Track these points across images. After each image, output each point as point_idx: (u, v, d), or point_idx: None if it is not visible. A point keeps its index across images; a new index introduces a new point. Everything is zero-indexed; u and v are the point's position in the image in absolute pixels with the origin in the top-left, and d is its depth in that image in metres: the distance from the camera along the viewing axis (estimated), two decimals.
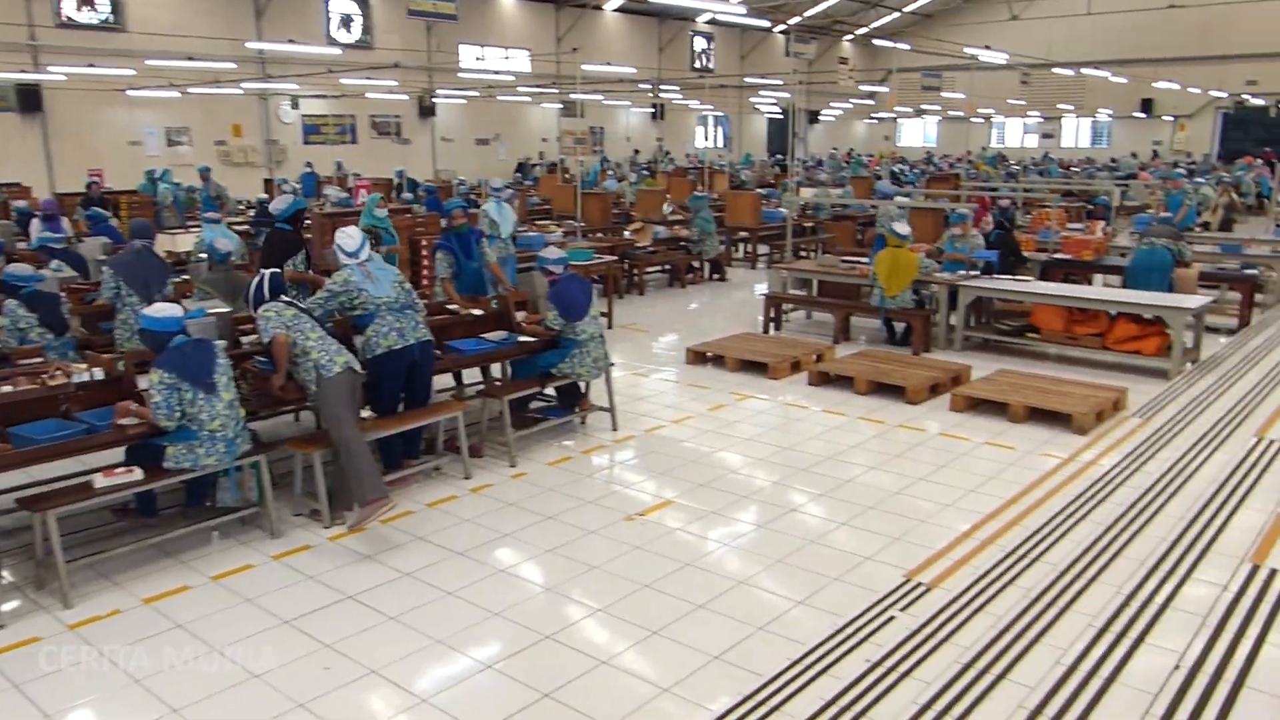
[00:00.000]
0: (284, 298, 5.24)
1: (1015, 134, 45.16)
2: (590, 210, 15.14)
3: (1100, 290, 9.50)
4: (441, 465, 5.91)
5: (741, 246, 16.49)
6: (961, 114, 40.33)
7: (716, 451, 6.33)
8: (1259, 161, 26.88)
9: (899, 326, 9.61)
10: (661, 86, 32.22)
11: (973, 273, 9.52)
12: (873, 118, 44.43)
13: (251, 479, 5.00)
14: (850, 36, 42.04)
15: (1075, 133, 43.74)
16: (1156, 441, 6.22)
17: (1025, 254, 11.19)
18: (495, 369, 7.25)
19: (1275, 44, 35.81)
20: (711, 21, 35.97)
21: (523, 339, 6.62)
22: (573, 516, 5.23)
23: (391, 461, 5.62)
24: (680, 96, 34.71)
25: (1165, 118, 40.26)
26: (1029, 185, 19.48)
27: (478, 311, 6.98)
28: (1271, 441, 5.95)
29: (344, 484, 4.98)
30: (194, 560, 4.70)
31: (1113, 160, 32.72)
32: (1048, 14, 36.04)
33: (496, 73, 26.68)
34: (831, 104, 42.21)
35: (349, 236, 5.60)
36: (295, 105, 23.96)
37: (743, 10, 18.80)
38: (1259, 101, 37.55)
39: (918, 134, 47.80)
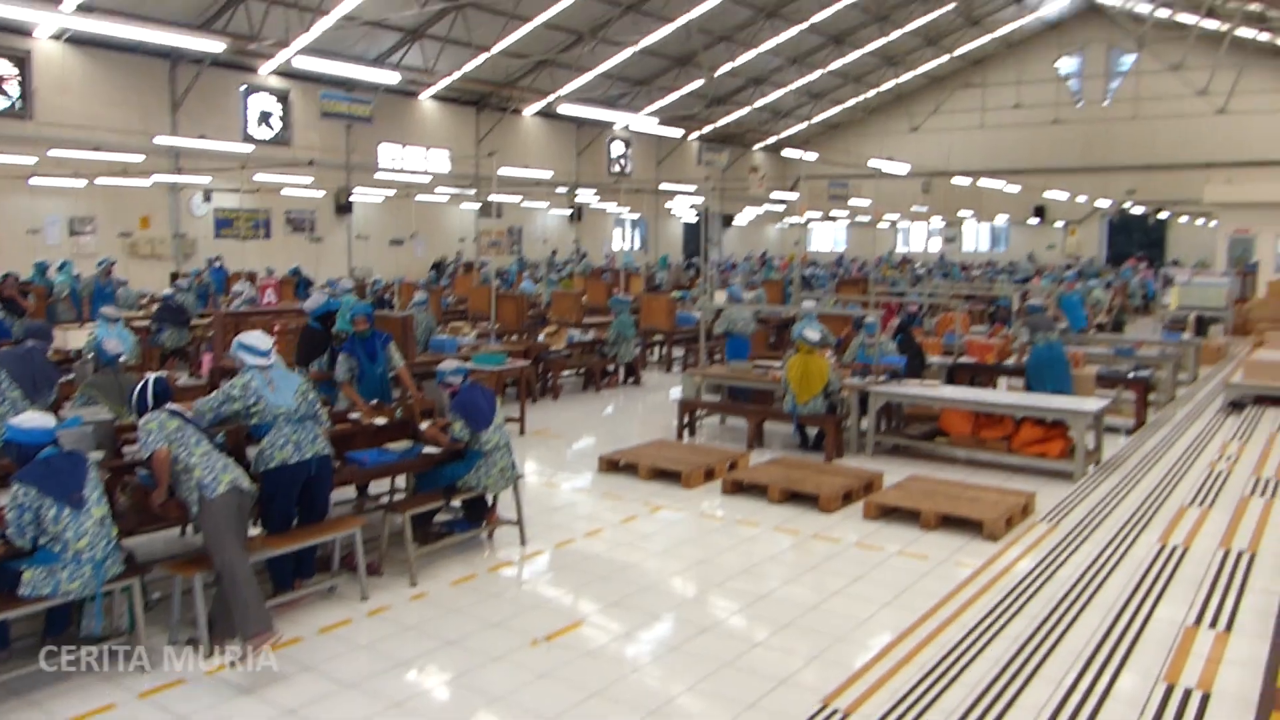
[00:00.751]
0: (170, 405, 4.96)
1: (919, 238, 46.86)
2: (505, 312, 15.05)
3: (1004, 394, 9.69)
4: (337, 585, 5.59)
5: (657, 350, 16.53)
6: (866, 218, 41.72)
7: (629, 566, 6.14)
8: (1143, 265, 28.26)
9: (812, 432, 9.64)
10: (579, 189, 32.70)
11: (882, 378, 9.64)
12: (785, 222, 45.72)
13: (123, 604, 4.63)
14: (761, 145, 43.57)
15: (975, 237, 45.60)
16: (1065, 548, 6.25)
17: (932, 358, 11.42)
18: (402, 479, 7.00)
19: (1149, 157, 38.18)
20: (628, 129, 36.87)
21: (428, 450, 6.39)
22: (476, 641, 4.96)
23: (282, 582, 5.28)
24: (598, 199, 35.26)
25: (1057, 223, 42.28)
26: (933, 289, 20.07)
27: (381, 420, 6.74)
28: (1175, 548, 6.02)
29: (226, 611, 4.64)
30: (47, 700, 4.29)
31: (1011, 264, 34.11)
32: (946, 127, 37.88)
33: (413, 172, 26.75)
34: (745, 208, 43.34)
35: (257, 337, 5.38)
36: (208, 198, 23.57)
37: (654, 121, 19.21)
38: (1138, 209, 39.71)
39: (829, 238, 49.29)
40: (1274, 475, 7.42)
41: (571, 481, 8.38)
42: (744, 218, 44.81)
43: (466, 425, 6.26)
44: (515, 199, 32.01)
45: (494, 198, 23.87)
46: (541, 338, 13.55)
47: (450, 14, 23.29)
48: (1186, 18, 31.05)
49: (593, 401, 12.55)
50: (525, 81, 28.95)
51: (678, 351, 15.99)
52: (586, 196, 34.77)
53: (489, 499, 6.58)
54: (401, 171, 26.59)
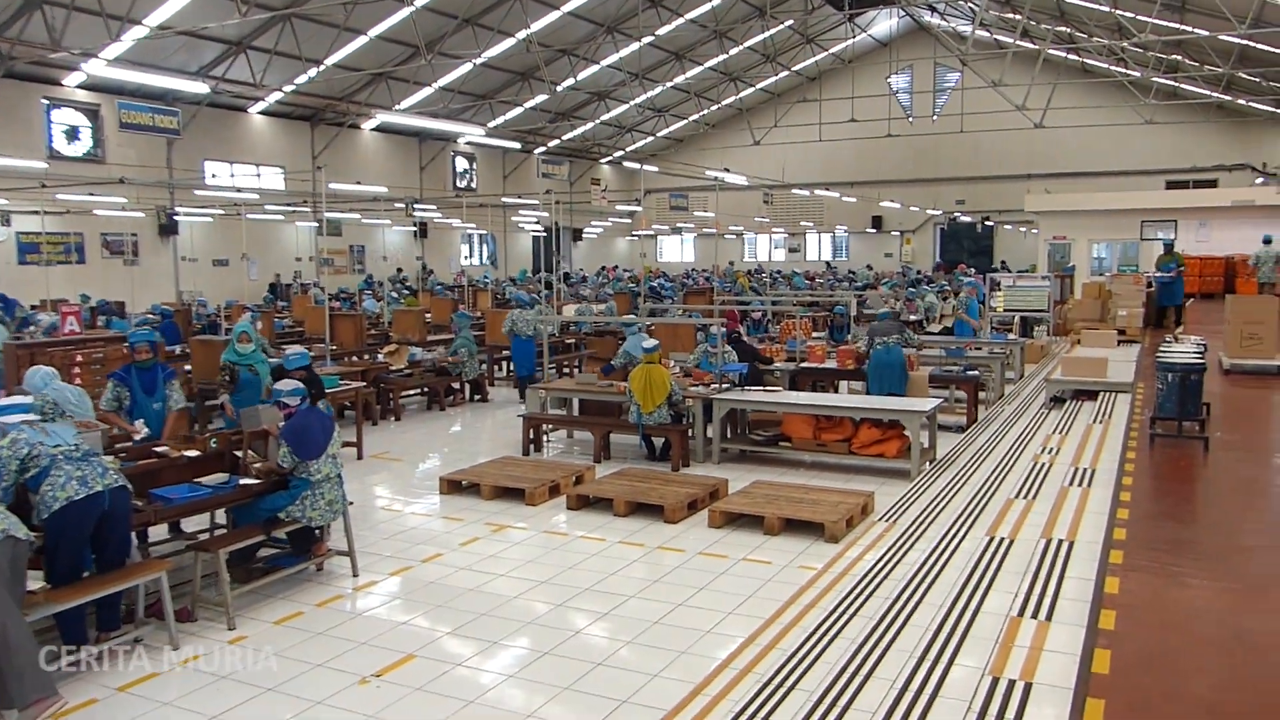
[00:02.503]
0: None
1: (764, 248, 48.06)
2: (343, 332, 14.47)
3: (843, 398, 9.88)
4: (143, 636, 5.12)
5: (505, 366, 16.23)
6: (713, 230, 42.41)
7: (469, 591, 5.88)
8: (972, 270, 29.67)
9: (659, 442, 9.58)
10: (422, 205, 31.99)
11: (725, 385, 9.67)
12: (633, 235, 46.05)
13: None
14: (608, 160, 43.79)
15: (818, 246, 47.09)
16: (902, 545, 6.34)
17: (776, 363, 11.58)
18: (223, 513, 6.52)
19: (975, 169, 40.26)
20: (472, 143, 36.39)
21: (246, 481, 5.97)
22: (299, 684, 4.62)
23: (75, 638, 4.77)
24: (441, 215, 34.59)
25: (893, 232, 44.10)
26: (776, 296, 20.49)
27: (193, 453, 6.26)
28: (1002, 540, 6.20)
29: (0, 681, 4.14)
30: None
31: (851, 272, 35.31)
32: (785, 140, 38.91)
33: (239, 190, 25.54)
34: (593, 222, 43.44)
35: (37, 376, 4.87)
36: (6, 222, 21.82)
37: (480, 133, 18.95)
38: (967, 218, 41.87)
39: (677, 249, 49.94)
40: (1090, 465, 7.81)
41: (411, 505, 8.03)
42: (593, 231, 44.92)
43: (292, 453, 5.88)
44: (355, 216, 31.08)
45: (332, 215, 23.01)
46: (380, 357, 13.08)
47: (277, 25, 22.38)
48: (1005, 38, 32.97)
49: (437, 421, 12.17)
50: (362, 96, 28.15)
51: None
52: (432, 212, 34.08)
53: (317, 530, 6.19)
54: (227, 190, 25.33)
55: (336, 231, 31.28)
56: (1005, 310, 18.05)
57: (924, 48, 37.57)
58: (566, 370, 15.78)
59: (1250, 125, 35.57)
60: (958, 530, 6.54)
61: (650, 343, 9.28)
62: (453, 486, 8.33)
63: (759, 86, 40.40)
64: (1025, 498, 7.04)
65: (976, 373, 11.08)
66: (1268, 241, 20.63)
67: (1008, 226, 42.41)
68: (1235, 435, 8.90)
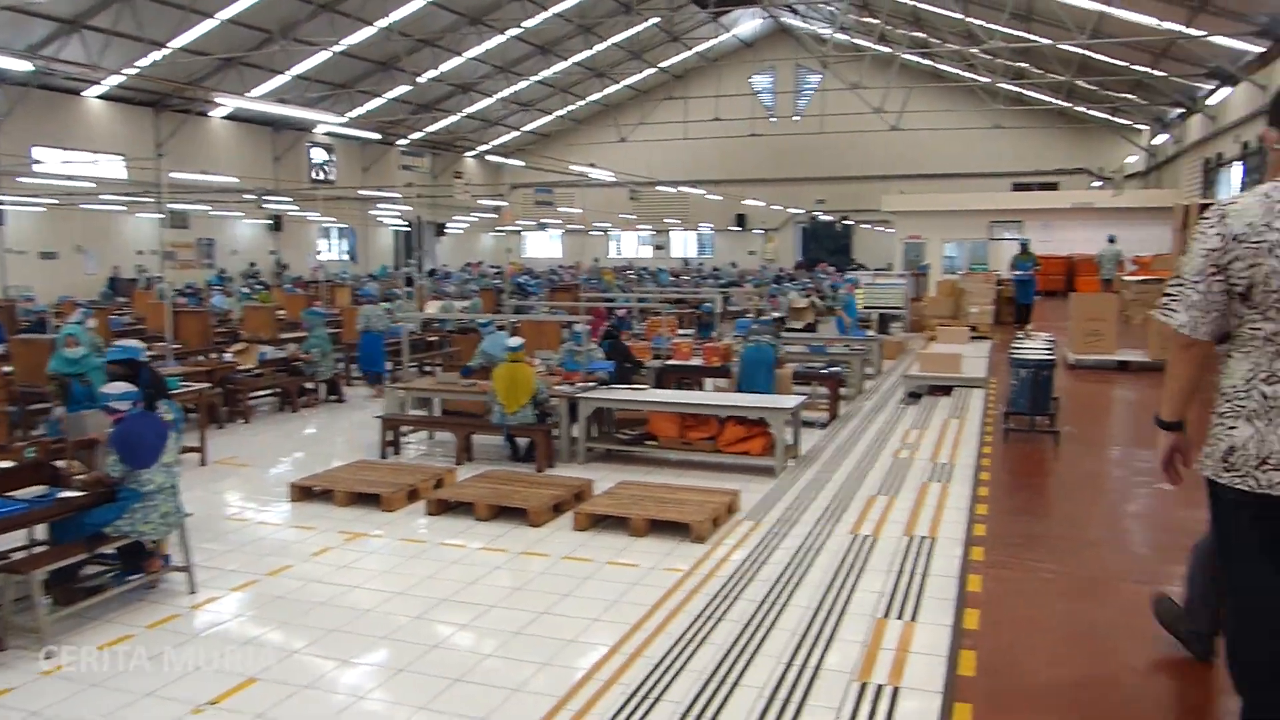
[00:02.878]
0: None
1: (631, 245, 48.23)
2: (188, 330, 13.66)
3: (708, 395, 9.87)
4: None
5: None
6: (580, 227, 42.29)
7: (318, 606, 5.53)
8: (832, 269, 30.45)
9: (523, 442, 9.35)
10: (275, 197, 30.68)
11: (591, 384, 9.52)
12: (498, 230, 45.43)
13: None
14: (473, 154, 43.06)
15: (684, 244, 47.53)
16: (768, 545, 6.31)
17: (642, 361, 11.51)
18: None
19: (835, 169, 41.36)
20: (330, 134, 35.15)
21: (66, 494, 5.45)
22: (124, 717, 4.21)
23: None
24: (297, 208, 33.28)
25: (756, 230, 44.91)
26: (643, 294, 20.48)
27: (6, 464, 5.69)
28: (866, 538, 6.23)
29: None
30: None
31: (715, 269, 35.74)
32: (651, 137, 39.07)
33: (72, 178, 23.90)
34: (455, 217, 42.63)
35: None
36: None
37: (337, 122, 18.26)
38: (827, 217, 43.00)
39: (544, 245, 49.57)
40: (948, 460, 7.99)
41: (259, 514, 7.56)
42: (457, 226, 44.13)
43: (121, 461, 5.40)
44: (204, 208, 29.59)
45: (177, 206, 21.76)
46: (228, 356, 12.39)
47: (116, 4, 21.03)
48: (863, 42, 33.94)
49: (290, 423, 11.60)
50: (211, 81, 26.78)
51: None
52: (287, 205, 32.74)
53: (150, 544, 5.72)
54: (56, 178, 23.66)
55: (183, 224, 29.68)
56: (864, 308, 18.53)
57: (786, 49, 38.39)
58: (429, 369, 15.35)
59: (1089, 132, 37.70)
60: (822, 528, 6.55)
61: (515, 341, 9.04)
62: (304, 493, 7.90)
63: (625, 83, 40.48)
64: (887, 494, 7.13)
65: (838, 369, 11.26)
66: (1111, 241, 21.86)
67: (865, 226, 43.77)
68: (1081, 428, 9.28)
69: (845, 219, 42.91)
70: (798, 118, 39.95)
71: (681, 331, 15.19)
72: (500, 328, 12.16)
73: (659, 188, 36.88)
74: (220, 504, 7.86)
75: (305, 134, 34.82)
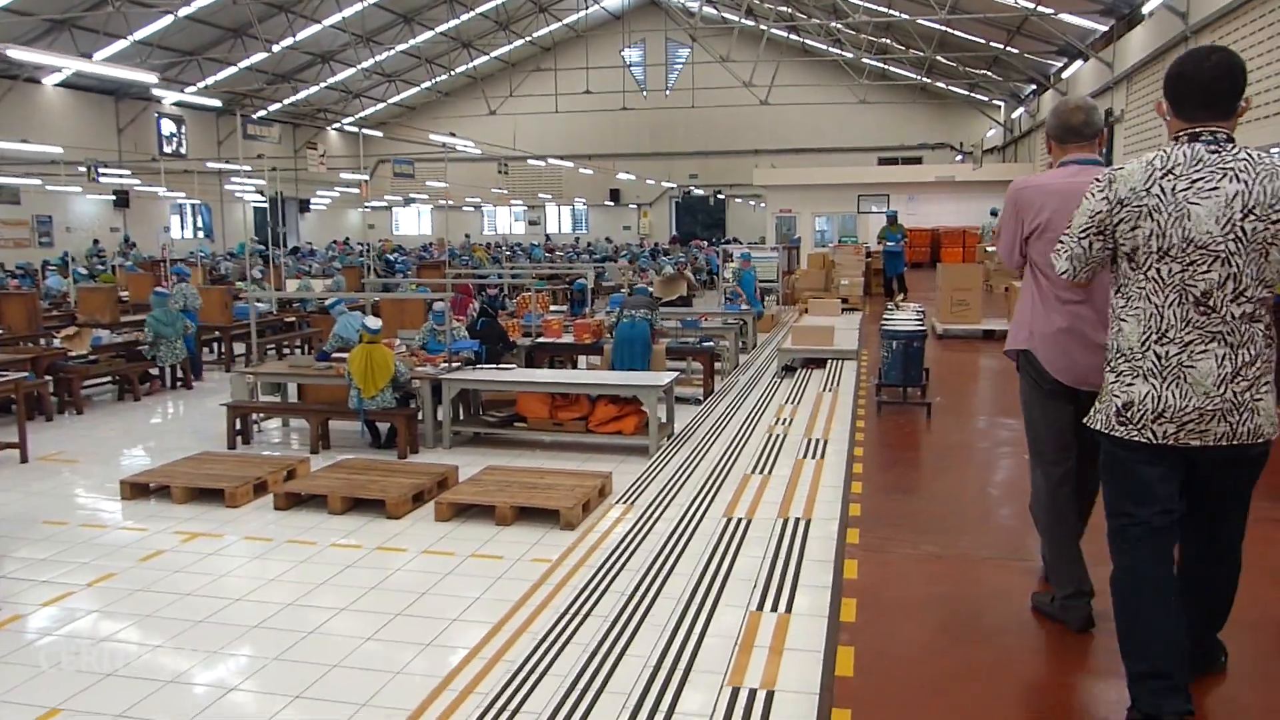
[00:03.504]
0: None
1: (505, 221, 47.40)
2: (12, 313, 12.53)
3: (578, 374, 9.53)
4: None
5: (216, 348, 14.73)
6: (449, 202, 41.26)
7: (142, 620, 4.96)
8: (706, 243, 30.48)
9: (385, 428, 8.83)
10: (113, 170, 28.71)
11: (456, 364, 9.06)
12: (365, 206, 43.96)
13: None
14: (335, 125, 41.43)
15: (558, 219, 46.97)
16: (639, 529, 6.02)
17: (513, 341, 11.09)
18: None
19: (707, 144, 41.51)
20: (181, 104, 33.16)
21: None
22: None
23: None
24: (143, 183, 31.32)
25: (631, 205, 44.70)
26: (514, 269, 19.99)
27: None
28: (739, 520, 5.99)
29: None
30: None
31: (590, 244, 35.38)
32: (522, 110, 38.36)
33: None
34: (319, 192, 40.99)
35: None
36: None
37: (192, 91, 17.05)
38: (700, 192, 43.12)
39: (414, 222, 48.21)
40: (822, 435, 7.84)
41: (84, 516, 6.86)
42: (321, 202, 42.48)
43: None
44: (35, 181, 27.52)
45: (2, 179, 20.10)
46: (58, 342, 11.39)
47: None
48: (731, 16, 33.93)
49: (131, 413, 10.73)
50: (41, 44, 24.80)
51: (241, 349, 14.34)
52: (132, 180, 30.76)
53: None
54: None
55: (14, 199, 27.55)
56: (738, 281, 18.48)
57: (655, 21, 38.11)
58: (288, 351, 14.56)
59: (949, 107, 38.77)
60: (696, 510, 6.29)
61: (373, 322, 8.49)
62: (137, 490, 7.22)
63: (493, 55, 39.53)
64: (761, 472, 6.92)
65: (712, 344, 11.08)
66: (994, 214, 22.40)
67: (738, 200, 44.10)
68: (952, 399, 9.35)
69: (718, 193, 43.13)
70: (669, 92, 39.80)
71: (554, 308, 14.79)
72: (359, 308, 11.55)
73: (530, 162, 36.24)
74: (39, 506, 7.11)
75: (153, 104, 32.78)
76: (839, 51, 34.61)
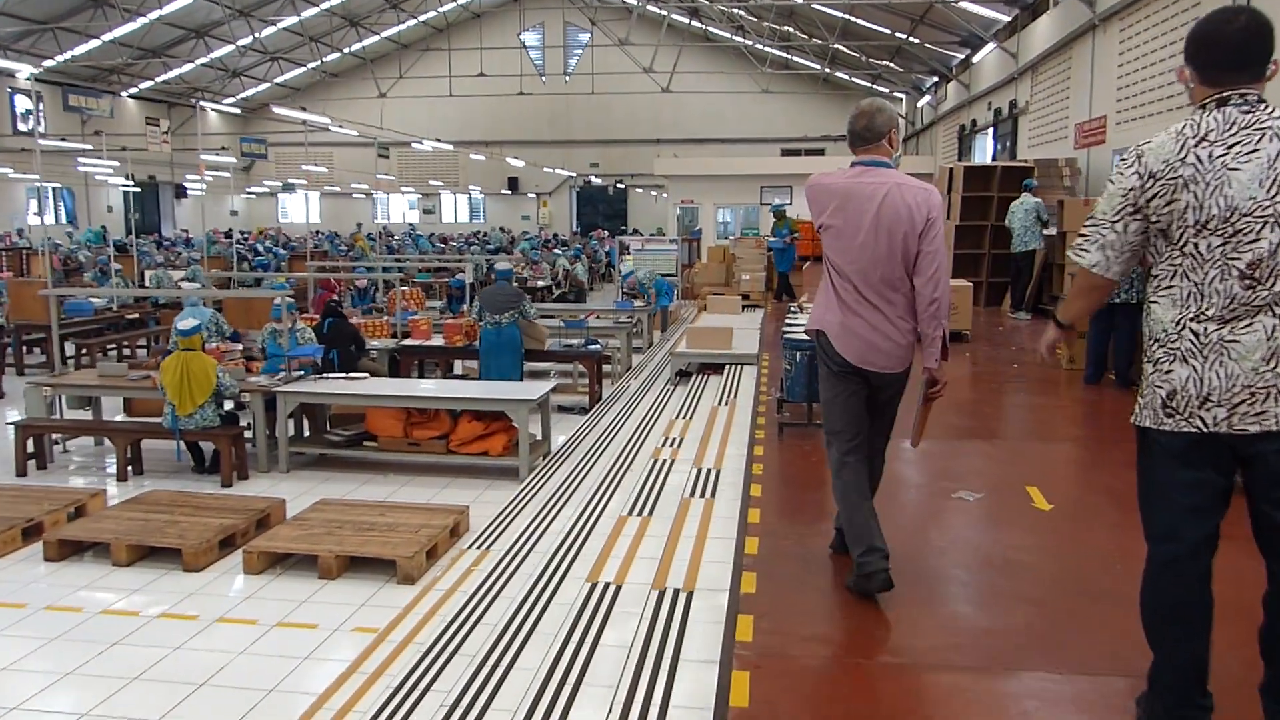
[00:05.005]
0: None
1: (399, 210, 45.49)
2: None
3: (437, 385, 8.33)
4: None
5: (48, 348, 13.05)
6: (337, 189, 39.31)
7: None
8: (605, 233, 29.43)
9: (211, 448, 7.54)
10: None
11: (298, 373, 7.81)
12: (248, 192, 41.61)
13: None
14: (215, 107, 39.09)
15: (454, 208, 45.29)
16: (489, 589, 4.87)
17: (374, 342, 9.87)
18: None
19: (608, 132, 40.46)
20: (40, 79, 30.50)
21: None
22: None
23: None
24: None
25: (530, 194, 43.36)
26: (393, 262, 18.66)
27: None
28: (606, 588, 4.69)
29: None
30: None
31: (485, 234, 33.96)
32: (415, 94, 36.69)
33: None
34: (188, 177, 38.43)
35: None
36: None
37: (44, 65, 15.20)
38: (599, 181, 42.07)
39: (303, 210, 45.87)
40: (714, 464, 6.62)
41: None
42: (197, 187, 39.95)
43: None
44: None
45: None
46: None
47: None
48: (634, 0, 32.89)
49: None
50: None
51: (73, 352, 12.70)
52: None
53: None
54: None
55: None
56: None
57: (555, 3, 36.86)
58: (128, 352, 13.01)
59: (852, 99, 38.30)
60: (556, 569, 5.07)
61: (187, 323, 7.18)
62: None
63: (383, 35, 37.66)
64: (640, 514, 5.74)
65: (599, 346, 10.01)
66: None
67: (638, 190, 43.15)
68: None
69: (619, 183, 42.11)
70: (568, 77, 38.57)
71: (429, 305, 13.56)
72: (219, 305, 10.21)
73: (417, 146, 34.55)
74: None
75: (5, 79, 30.10)
76: (741, 40, 33.90)
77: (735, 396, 8.77)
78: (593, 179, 41.86)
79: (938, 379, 4.15)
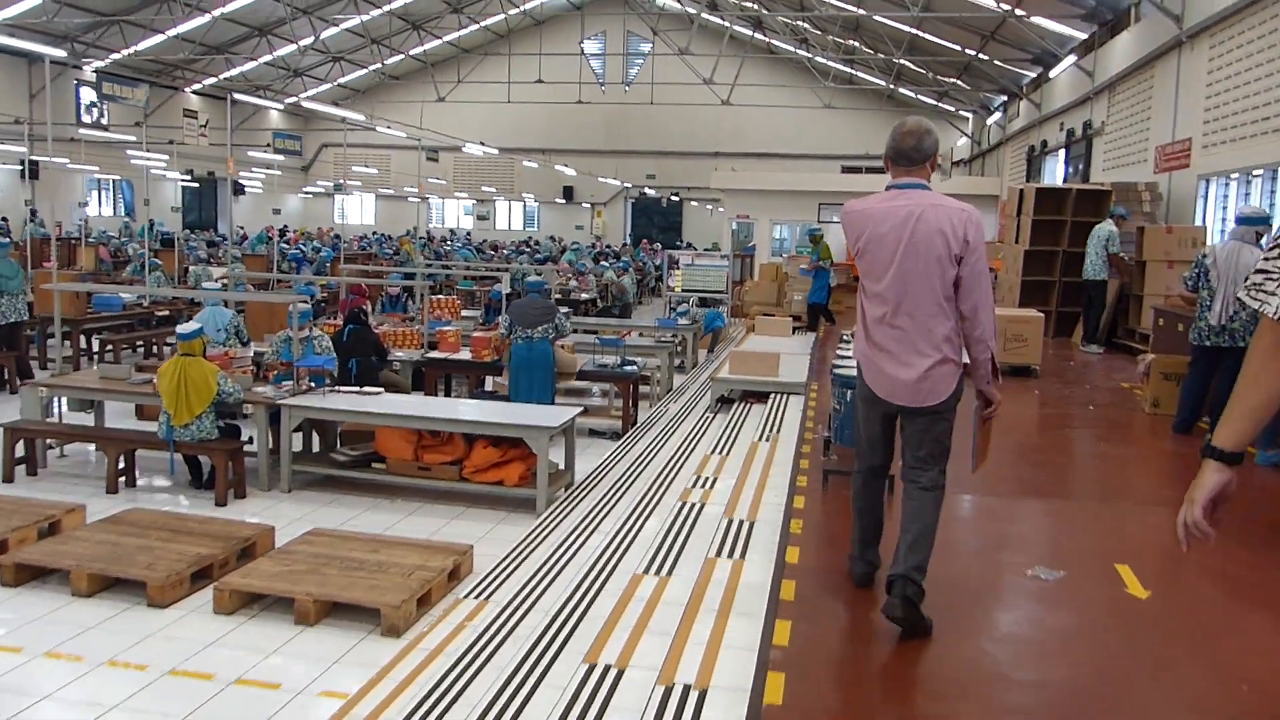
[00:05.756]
0: None
1: (453, 215, 45.33)
2: None
3: (449, 406, 7.65)
4: None
5: (72, 343, 12.73)
6: (391, 192, 39.21)
7: None
8: (656, 246, 28.81)
9: (208, 461, 7.02)
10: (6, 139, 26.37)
11: (308, 384, 7.26)
12: (305, 192, 41.76)
13: None
14: (274, 104, 39.27)
15: (509, 216, 45.01)
16: (483, 648, 4.23)
17: (399, 353, 9.35)
18: None
19: (665, 144, 39.89)
20: (102, 71, 30.77)
21: None
22: None
23: None
24: (50, 155, 28.92)
25: (584, 204, 42.94)
26: (431, 267, 18.21)
27: None
28: (608, 668, 3.86)
29: None
30: None
31: (536, 243, 33.52)
32: (473, 99, 36.50)
33: None
34: (241, 174, 38.57)
35: None
36: None
37: (110, 59, 15.09)
38: (652, 192, 41.46)
39: (359, 212, 45.93)
40: (748, 515, 5.78)
41: None
42: (254, 185, 40.17)
43: None
44: None
45: None
46: None
47: None
48: (694, 10, 32.32)
49: None
50: None
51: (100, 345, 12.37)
52: (50, 151, 28.36)
53: None
54: None
55: None
56: (683, 290, 16.84)
57: (616, 13, 36.45)
58: (156, 352, 12.66)
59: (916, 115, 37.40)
60: (555, 636, 4.22)
61: (188, 326, 6.67)
62: None
63: (445, 39, 37.51)
64: (658, 572, 4.99)
65: (635, 367, 9.34)
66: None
67: (694, 203, 42.49)
68: None
69: (675, 195, 41.50)
70: (627, 87, 38.08)
71: (466, 314, 13.03)
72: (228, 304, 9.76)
73: (468, 150, 34.20)
74: None
75: (71, 70, 30.37)
76: (804, 53, 33.13)
77: (779, 430, 8.03)
78: (648, 190, 41.28)
79: (991, 399, 3.98)
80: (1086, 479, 7.40)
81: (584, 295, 16.57)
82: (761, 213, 28.44)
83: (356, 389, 7.40)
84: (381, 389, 7.51)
